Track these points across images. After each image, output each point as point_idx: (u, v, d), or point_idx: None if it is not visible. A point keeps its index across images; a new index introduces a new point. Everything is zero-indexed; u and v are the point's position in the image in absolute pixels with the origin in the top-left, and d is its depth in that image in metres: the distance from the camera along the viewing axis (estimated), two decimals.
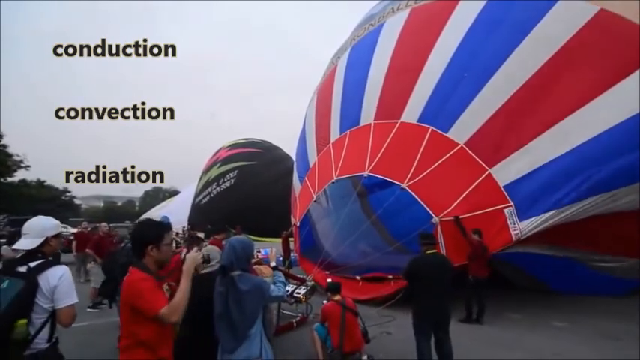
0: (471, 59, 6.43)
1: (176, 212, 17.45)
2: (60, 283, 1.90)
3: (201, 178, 17.48)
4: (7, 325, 1.78)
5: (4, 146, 22.92)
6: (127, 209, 60.26)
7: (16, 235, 8.47)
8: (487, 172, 6.08)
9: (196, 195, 16.29)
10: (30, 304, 1.86)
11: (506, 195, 5.92)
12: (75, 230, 12.69)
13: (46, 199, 38.83)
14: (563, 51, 5.83)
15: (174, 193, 43.43)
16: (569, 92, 5.79)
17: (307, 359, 4.19)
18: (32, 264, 1.93)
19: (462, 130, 6.38)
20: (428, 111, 6.72)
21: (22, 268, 1.92)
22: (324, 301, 4.03)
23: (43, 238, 2.03)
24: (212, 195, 15.12)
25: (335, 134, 8.28)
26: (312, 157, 8.97)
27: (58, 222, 2.18)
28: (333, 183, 7.57)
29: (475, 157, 6.21)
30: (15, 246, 2.03)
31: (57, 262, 2.00)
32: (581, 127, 5.61)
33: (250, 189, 14.84)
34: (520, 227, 5.77)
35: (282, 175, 14.80)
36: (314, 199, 8.01)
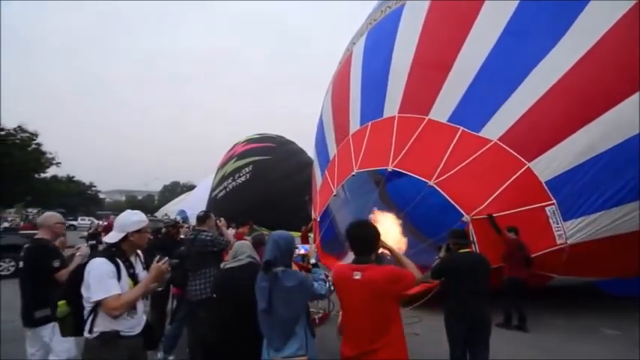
0: (507, 61, 5.99)
1: (193, 206, 17.31)
2: (88, 277, 1.92)
3: (217, 173, 17.38)
4: (54, 305, 2.03)
5: (39, 144, 23.56)
6: (147, 203, 61.69)
7: None
8: (526, 167, 5.59)
9: (212, 189, 16.20)
10: (72, 290, 1.99)
11: (548, 191, 5.22)
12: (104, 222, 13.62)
13: (75, 194, 40.38)
14: (605, 42, 5.39)
15: (191, 187, 44.00)
16: (616, 82, 5.33)
17: (330, 358, 3.67)
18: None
19: (495, 128, 5.94)
20: (459, 112, 6.29)
21: None
22: None
23: (123, 234, 2.06)
24: (228, 189, 14.94)
25: (355, 125, 7.84)
26: (332, 149, 8.57)
27: (142, 217, 2.17)
28: (353, 176, 7.09)
29: (511, 151, 5.69)
30: (104, 238, 2.12)
31: (100, 255, 2.01)
32: (630, 119, 5.14)
33: (265, 183, 14.61)
34: (564, 227, 5.06)
35: (296, 169, 14.48)
36: (334, 194, 7.55)
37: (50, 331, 2.65)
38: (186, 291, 3.41)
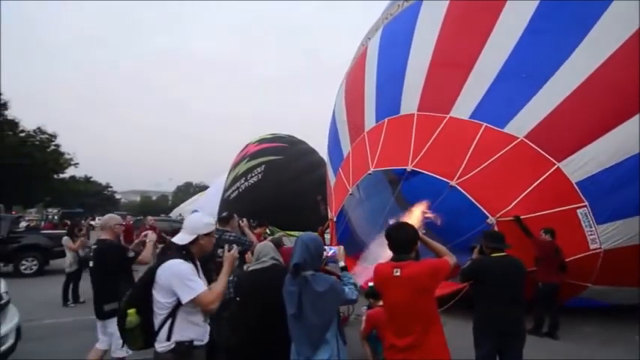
0: (534, 55, 5.72)
1: (206, 207, 17.37)
2: (169, 280, 1.84)
3: (230, 173, 17.40)
4: (122, 313, 1.90)
5: (58, 145, 24.39)
6: (161, 203, 62.78)
7: (75, 227, 8.39)
8: (555, 167, 5.35)
9: (225, 189, 16.24)
10: (142, 295, 1.89)
11: (579, 193, 4.94)
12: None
13: (92, 194, 41.48)
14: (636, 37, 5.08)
15: (203, 187, 44.55)
16: None
17: None
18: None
19: (521, 124, 5.68)
20: (482, 108, 6.04)
21: None
22: (364, 308, 3.69)
23: (194, 236, 2.01)
24: (240, 190, 14.96)
25: (370, 122, 7.65)
26: (346, 147, 8.40)
27: (212, 221, 2.16)
28: (369, 175, 6.91)
29: (539, 149, 5.41)
30: (174, 239, 2.03)
31: (171, 257, 1.93)
32: None
33: (277, 183, 14.55)
34: (598, 231, 4.77)
35: (308, 169, 14.39)
36: (349, 192, 7.39)
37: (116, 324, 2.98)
38: None
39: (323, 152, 16.74)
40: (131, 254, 3.12)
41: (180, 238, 2.00)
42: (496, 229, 5.28)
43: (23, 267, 9.18)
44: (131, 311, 1.86)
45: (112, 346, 3.10)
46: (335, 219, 7.87)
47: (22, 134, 22.27)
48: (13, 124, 21.74)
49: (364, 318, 3.45)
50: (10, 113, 21.41)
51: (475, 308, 3.08)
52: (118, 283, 2.92)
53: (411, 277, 1.98)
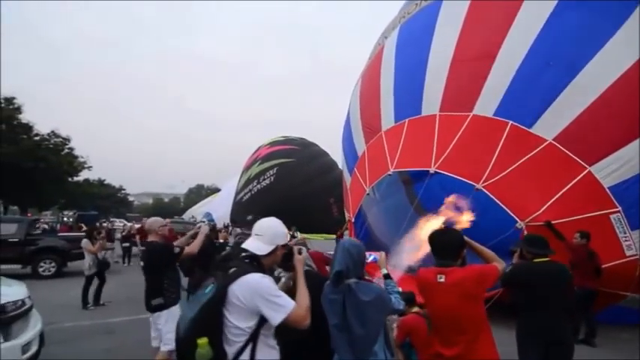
0: (558, 43, 5.48)
1: (218, 209, 17.40)
2: (253, 299, 1.50)
3: (242, 176, 17.49)
4: (188, 345, 1.50)
5: (72, 149, 24.84)
6: (173, 205, 63.36)
7: (94, 230, 8.46)
8: (586, 171, 5.18)
9: (238, 192, 16.26)
10: (214, 320, 1.51)
11: (612, 198, 4.71)
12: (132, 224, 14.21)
13: (105, 196, 42.12)
14: None
15: (215, 190, 44.83)
16: None
17: None
18: (232, 269, 1.60)
19: (550, 125, 5.49)
20: (506, 104, 5.85)
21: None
22: (395, 315, 3.39)
23: (273, 246, 1.73)
24: (253, 192, 14.98)
25: (388, 122, 7.51)
26: (360, 146, 8.28)
27: (286, 229, 1.92)
28: (389, 175, 6.77)
29: (569, 153, 5.24)
30: (246, 245, 1.71)
31: (246, 270, 1.59)
32: None
33: (289, 185, 14.58)
34: (633, 237, 4.54)
35: (320, 171, 14.41)
36: (366, 193, 7.24)
37: (164, 319, 3.18)
38: None
39: (334, 154, 16.59)
40: (176, 250, 3.31)
41: (257, 247, 1.68)
42: (525, 234, 5.09)
43: (41, 269, 9.28)
44: (202, 342, 1.47)
45: (161, 340, 3.23)
46: (353, 220, 7.73)
47: (37, 138, 22.67)
48: (28, 128, 22.17)
49: (397, 325, 3.33)
50: (24, 117, 21.84)
51: (518, 316, 2.95)
52: (163, 280, 3.22)
53: (457, 284, 1.91)
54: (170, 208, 59.44)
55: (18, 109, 21.43)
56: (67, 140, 24.66)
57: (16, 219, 11.21)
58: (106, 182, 45.68)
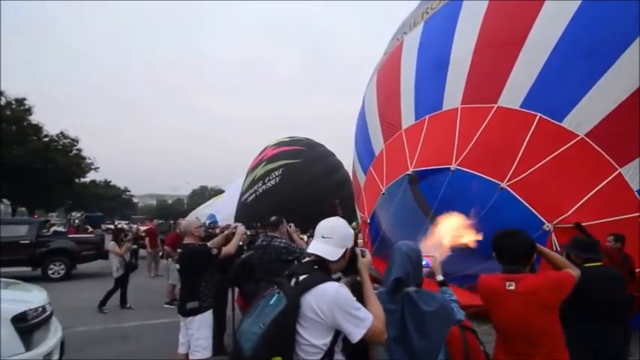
0: (593, 31, 5.14)
1: (223, 210, 17.29)
2: (333, 312, 1.32)
3: (247, 176, 17.36)
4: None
5: (80, 150, 24.95)
6: (177, 206, 63.47)
7: (120, 232, 8.30)
8: (617, 172, 4.89)
9: (243, 193, 16.17)
10: (287, 336, 1.30)
11: None
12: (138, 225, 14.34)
13: (111, 198, 42.22)
14: None
15: (219, 191, 44.81)
16: None
17: None
18: (301, 277, 1.40)
19: (582, 119, 5.16)
20: (534, 94, 5.51)
21: (293, 282, 1.42)
22: None
23: (343, 250, 1.51)
24: (258, 193, 14.87)
25: (408, 120, 7.23)
26: (378, 144, 8.01)
27: None
28: (408, 175, 6.52)
29: (601, 151, 4.95)
30: (315, 250, 1.49)
31: (319, 279, 1.40)
32: None
33: (295, 186, 14.47)
34: None
35: (326, 172, 14.30)
36: (382, 192, 6.98)
37: (197, 325, 3.07)
38: None
39: (339, 154, 16.43)
40: (214, 251, 3.23)
41: (328, 252, 1.47)
42: (554, 237, 4.83)
43: (51, 271, 9.14)
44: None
45: (190, 347, 3.14)
46: (369, 220, 7.48)
47: (46, 139, 22.70)
48: (37, 129, 22.21)
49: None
50: (34, 118, 21.88)
51: (567, 325, 2.70)
52: (200, 282, 3.12)
53: (530, 292, 1.79)
54: (173, 209, 59.44)
55: (28, 110, 21.45)
56: (75, 141, 24.74)
57: (27, 220, 11.17)
58: (111, 184, 45.77)
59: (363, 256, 1.63)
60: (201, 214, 27.46)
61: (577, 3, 5.24)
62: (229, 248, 3.35)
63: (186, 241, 3.35)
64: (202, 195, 61.30)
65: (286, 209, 13.20)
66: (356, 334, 1.32)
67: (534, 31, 5.52)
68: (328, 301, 1.31)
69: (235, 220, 15.55)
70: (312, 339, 1.32)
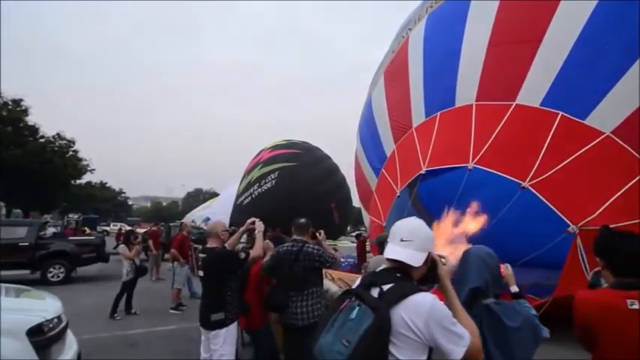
0: (616, 24, 5.00)
1: (218, 213, 17.05)
2: (430, 327, 1.13)
3: (243, 179, 17.10)
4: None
5: (76, 151, 24.41)
6: (171, 209, 62.76)
7: (130, 235, 7.84)
8: None
9: (238, 195, 15.92)
10: (381, 356, 1.12)
11: None
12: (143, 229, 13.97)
13: (106, 199, 41.51)
14: None
15: (213, 194, 44.38)
16: None
17: None
18: (385, 286, 1.21)
19: (607, 116, 5.04)
20: (555, 92, 5.39)
21: (375, 292, 1.22)
22: None
23: (426, 254, 1.29)
24: (253, 196, 14.67)
25: (419, 117, 7.11)
26: (389, 145, 7.86)
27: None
28: (422, 175, 6.34)
29: (629, 149, 4.82)
30: (394, 254, 1.27)
31: (412, 289, 1.21)
32: None
33: (291, 190, 14.28)
34: None
35: (322, 175, 14.13)
36: (397, 195, 6.82)
37: (222, 339, 2.77)
38: (286, 315, 2.92)
39: (335, 157, 16.27)
40: (242, 256, 2.95)
41: (411, 257, 1.26)
42: (579, 240, 4.64)
43: (50, 274, 8.78)
44: None
45: None
46: (384, 224, 7.17)
47: (42, 140, 22.22)
48: (34, 130, 21.76)
49: None
50: (31, 119, 21.41)
51: None
52: (226, 291, 2.84)
53: None
54: (168, 211, 58.67)
55: (25, 112, 21.00)
56: (71, 142, 24.27)
57: (26, 222, 10.77)
58: (107, 185, 45.03)
59: (444, 263, 1.40)
60: (197, 216, 27.06)
61: (594, 2, 5.10)
62: (257, 251, 3.03)
63: (210, 244, 3.05)
64: (197, 198, 60.61)
65: (282, 212, 12.98)
66: (456, 354, 1.14)
67: (551, 29, 5.40)
68: (424, 315, 1.13)
69: (230, 224, 15.26)
70: (398, 354, 1.13)
